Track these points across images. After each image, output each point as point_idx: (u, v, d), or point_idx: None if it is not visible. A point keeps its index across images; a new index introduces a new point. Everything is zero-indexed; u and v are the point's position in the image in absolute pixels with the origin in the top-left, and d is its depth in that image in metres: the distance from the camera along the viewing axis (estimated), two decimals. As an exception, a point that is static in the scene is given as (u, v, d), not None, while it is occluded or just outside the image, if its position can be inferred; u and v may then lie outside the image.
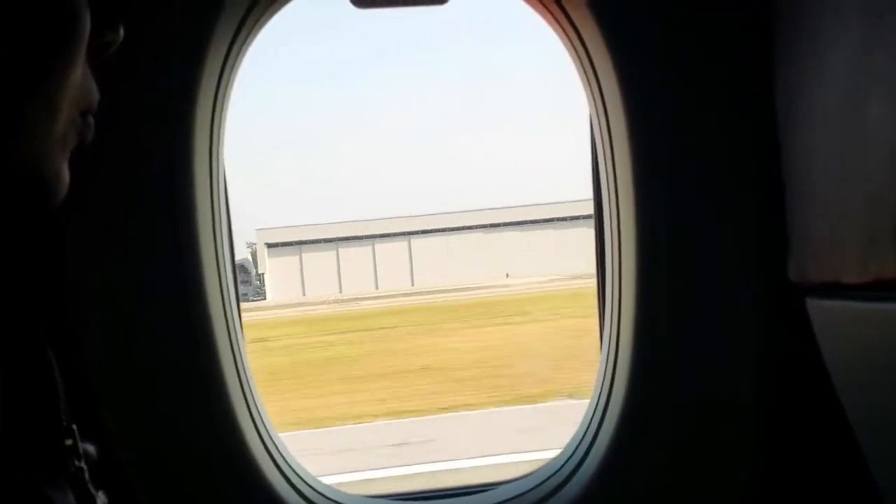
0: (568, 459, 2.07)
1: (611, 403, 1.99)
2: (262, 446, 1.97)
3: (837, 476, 1.80)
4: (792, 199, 1.69)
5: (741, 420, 1.88)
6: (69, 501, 0.89)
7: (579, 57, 1.95)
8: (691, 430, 1.91)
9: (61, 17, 0.79)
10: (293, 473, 2.03)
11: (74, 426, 0.95)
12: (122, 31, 0.88)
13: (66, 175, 0.84)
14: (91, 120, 0.88)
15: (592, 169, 2.12)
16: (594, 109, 1.99)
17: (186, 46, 1.77)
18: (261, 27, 1.99)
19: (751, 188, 1.83)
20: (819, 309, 1.58)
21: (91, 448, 0.99)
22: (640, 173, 1.84)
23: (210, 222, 1.91)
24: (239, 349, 1.99)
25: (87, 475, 0.96)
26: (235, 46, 1.90)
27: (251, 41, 1.98)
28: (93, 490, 0.96)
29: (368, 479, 7.29)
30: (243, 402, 1.95)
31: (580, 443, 2.07)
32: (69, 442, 0.94)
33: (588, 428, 2.07)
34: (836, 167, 1.45)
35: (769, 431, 1.88)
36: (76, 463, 0.93)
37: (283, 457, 2.04)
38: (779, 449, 1.88)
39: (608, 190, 1.99)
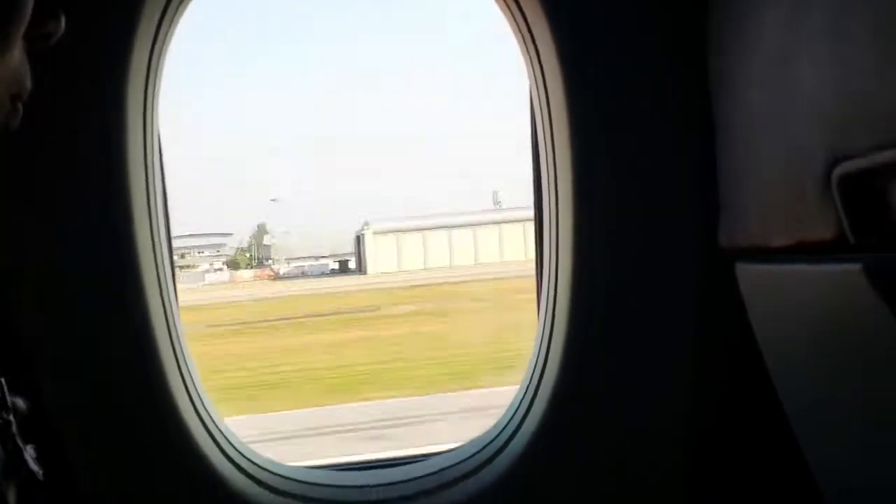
0: (501, 431, 2.09)
1: (545, 375, 2.02)
2: (195, 415, 1.96)
3: (766, 440, 1.86)
4: (723, 164, 1.73)
5: (673, 391, 1.93)
6: None
7: (517, 23, 1.97)
8: (624, 402, 1.94)
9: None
10: (228, 444, 2.02)
11: (2, 379, 0.93)
12: (63, 22, 0.86)
13: None
14: (20, 106, 0.87)
15: (532, 142, 2.14)
16: (533, 82, 2.01)
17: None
18: None
19: (684, 154, 1.87)
20: (747, 273, 1.62)
21: (21, 402, 0.97)
22: (577, 142, 1.87)
23: (145, 202, 1.89)
24: (173, 315, 1.98)
25: (14, 427, 0.94)
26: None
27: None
28: (21, 443, 0.94)
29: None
30: (177, 371, 1.93)
31: (513, 415, 2.09)
32: None
33: (521, 401, 2.09)
34: (764, 130, 1.49)
35: (703, 403, 1.93)
36: (3, 416, 0.92)
37: (217, 428, 2.02)
38: (711, 422, 1.93)
39: (546, 161, 2.01)
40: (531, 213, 2.24)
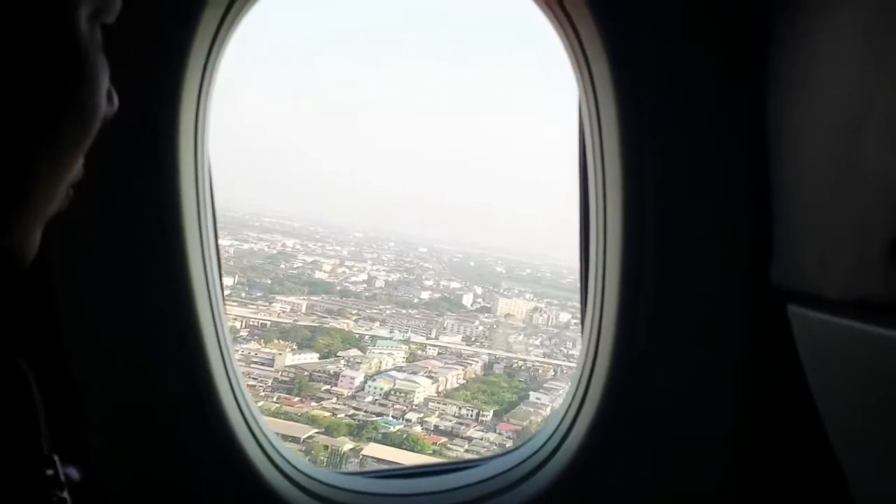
0: (544, 444, 2.12)
1: (590, 391, 2.04)
2: (246, 429, 1.98)
3: (810, 469, 1.88)
4: (779, 202, 1.71)
5: (719, 417, 1.94)
6: None
7: (574, 52, 1.93)
8: (667, 424, 1.96)
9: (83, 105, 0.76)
10: (278, 456, 2.05)
11: (56, 456, 0.93)
12: (116, 101, 0.84)
13: (37, 244, 0.81)
14: (72, 192, 0.85)
15: (580, 165, 2.12)
16: (587, 113, 1.98)
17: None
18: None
19: (737, 190, 1.85)
20: (801, 317, 1.62)
21: (73, 472, 0.97)
22: (629, 172, 1.85)
23: (195, 212, 1.88)
24: (226, 341, 2.00)
25: None
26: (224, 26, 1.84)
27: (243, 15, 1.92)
28: None
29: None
30: (232, 398, 1.96)
31: (557, 428, 2.12)
32: (50, 472, 0.91)
33: (565, 415, 2.11)
34: (826, 185, 1.47)
35: (746, 430, 1.94)
36: (58, 493, 0.91)
37: (268, 440, 2.06)
38: (755, 447, 1.95)
39: (596, 187, 1.99)
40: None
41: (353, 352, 9.04)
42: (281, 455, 2.07)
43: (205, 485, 1.94)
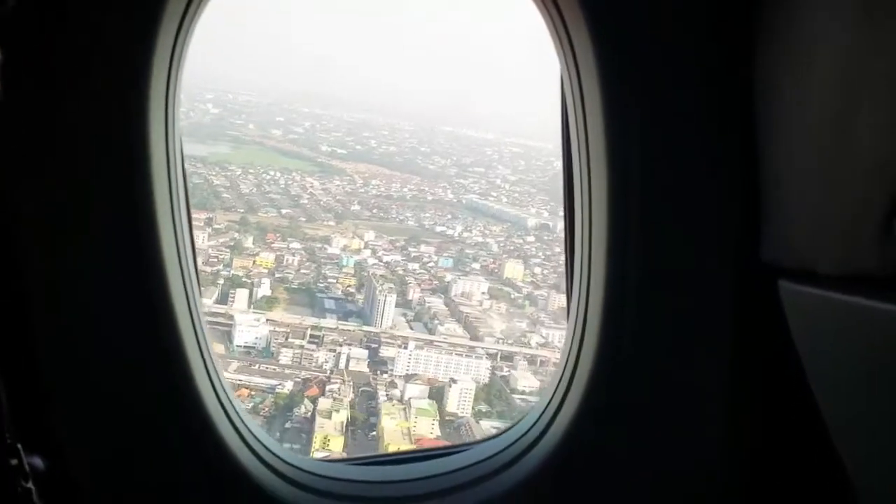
0: (533, 425, 2.09)
1: (577, 372, 2.01)
2: (221, 410, 1.95)
3: (801, 454, 1.87)
4: (768, 179, 1.68)
5: (707, 396, 1.92)
6: None
7: (555, 26, 1.88)
8: (656, 401, 1.94)
9: None
10: (255, 441, 2.02)
11: (19, 445, 0.92)
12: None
13: None
14: None
15: (563, 141, 2.08)
16: (569, 89, 1.94)
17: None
18: None
19: (726, 166, 1.81)
20: (791, 292, 1.59)
21: (38, 462, 0.96)
22: (614, 146, 1.81)
23: (167, 191, 1.83)
24: (200, 322, 1.95)
25: (35, 496, 0.93)
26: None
27: None
28: None
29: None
30: (208, 381, 1.92)
31: (546, 409, 2.09)
32: (14, 461, 0.91)
33: (554, 394, 2.08)
34: (819, 161, 1.44)
35: (736, 407, 1.92)
36: (22, 483, 0.91)
37: (245, 425, 2.02)
38: (744, 424, 1.93)
39: (580, 163, 1.95)
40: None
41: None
42: (260, 441, 2.03)
43: (182, 475, 1.90)
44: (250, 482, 1.92)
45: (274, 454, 2.04)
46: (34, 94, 1.66)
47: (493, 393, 10.63)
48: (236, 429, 1.98)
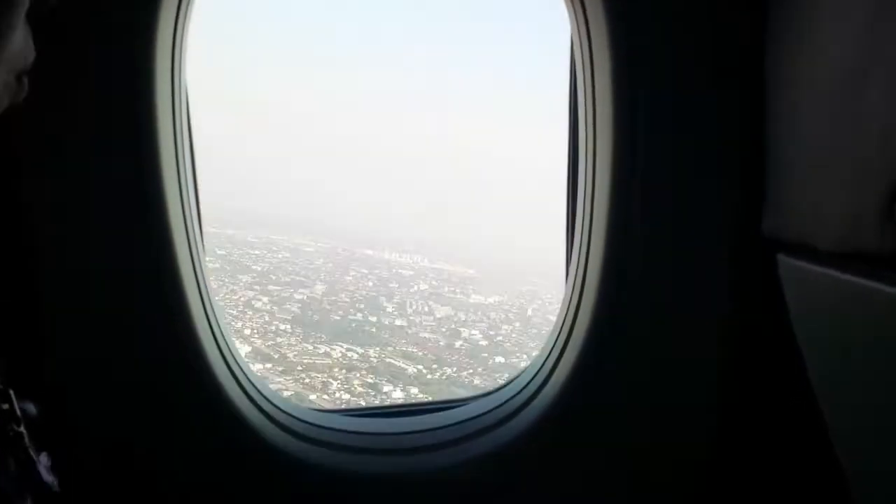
0: (531, 380, 2.12)
1: (574, 331, 2.03)
2: (224, 365, 1.97)
3: (794, 430, 1.89)
4: (773, 153, 1.67)
5: (703, 364, 1.94)
6: (8, 468, 0.88)
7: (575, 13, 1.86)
8: (653, 365, 1.96)
9: None
10: (257, 394, 2.04)
11: (11, 391, 0.93)
12: None
13: None
14: (25, 81, 0.85)
15: (570, 101, 2.06)
16: (579, 51, 1.91)
17: None
18: None
19: (730, 137, 1.81)
20: (790, 268, 1.59)
21: (31, 407, 0.97)
22: (620, 110, 1.80)
23: (172, 146, 1.84)
24: (203, 277, 1.96)
25: (26, 439, 0.94)
26: None
27: None
28: (34, 454, 0.94)
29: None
30: (210, 333, 1.93)
31: (543, 364, 2.12)
32: (6, 406, 0.91)
33: (552, 350, 2.10)
34: (824, 136, 1.42)
35: (731, 379, 1.94)
36: (15, 428, 0.91)
37: (248, 378, 2.04)
38: (739, 397, 1.95)
39: (586, 126, 1.94)
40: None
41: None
42: (260, 392, 2.06)
43: (180, 420, 1.92)
44: (251, 433, 1.94)
45: (272, 403, 2.07)
46: (37, 90, 1.67)
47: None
48: (234, 376, 2.00)
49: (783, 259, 1.60)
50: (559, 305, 2.15)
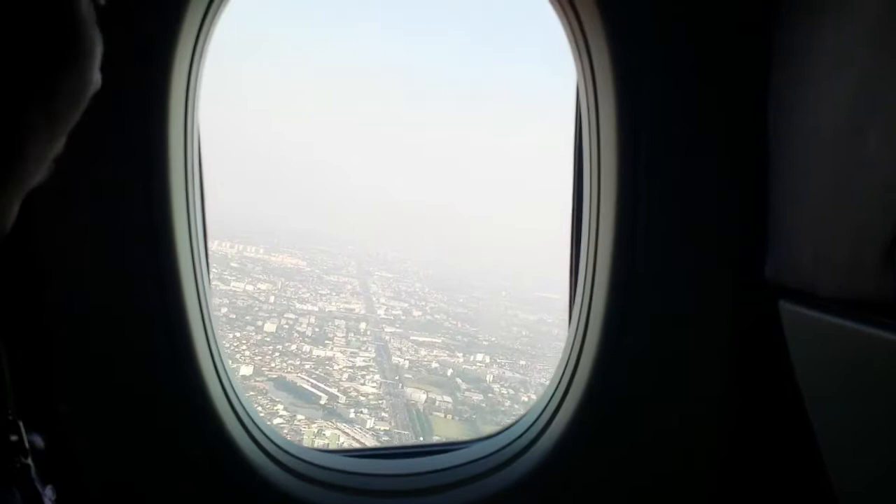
0: (532, 424, 2.12)
1: (577, 375, 2.03)
2: (227, 404, 1.97)
3: (794, 472, 1.89)
4: (776, 200, 1.70)
5: (704, 410, 1.94)
6: (14, 499, 0.87)
7: (571, 27, 1.91)
8: (653, 410, 1.96)
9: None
10: (261, 434, 2.04)
11: (20, 423, 0.92)
12: (100, 80, 0.83)
13: (14, 216, 0.79)
14: (53, 165, 0.84)
15: (575, 154, 2.11)
16: (584, 100, 1.96)
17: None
18: None
19: (733, 184, 1.84)
20: (792, 313, 1.61)
21: (38, 439, 0.97)
22: (624, 161, 1.84)
23: (182, 168, 1.86)
24: (208, 313, 1.97)
25: (33, 472, 0.93)
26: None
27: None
28: (39, 487, 0.94)
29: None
30: (214, 372, 1.94)
31: (544, 410, 2.12)
32: (14, 437, 0.91)
33: (552, 397, 2.11)
34: (826, 184, 1.46)
35: (731, 423, 1.94)
36: (21, 459, 0.91)
37: (251, 419, 2.04)
38: (739, 440, 1.95)
39: (591, 177, 1.97)
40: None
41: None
42: (262, 432, 2.05)
43: (183, 459, 1.91)
44: (250, 469, 1.94)
45: (274, 443, 2.06)
46: None
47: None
48: (237, 415, 2.00)
49: (784, 305, 1.63)
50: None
